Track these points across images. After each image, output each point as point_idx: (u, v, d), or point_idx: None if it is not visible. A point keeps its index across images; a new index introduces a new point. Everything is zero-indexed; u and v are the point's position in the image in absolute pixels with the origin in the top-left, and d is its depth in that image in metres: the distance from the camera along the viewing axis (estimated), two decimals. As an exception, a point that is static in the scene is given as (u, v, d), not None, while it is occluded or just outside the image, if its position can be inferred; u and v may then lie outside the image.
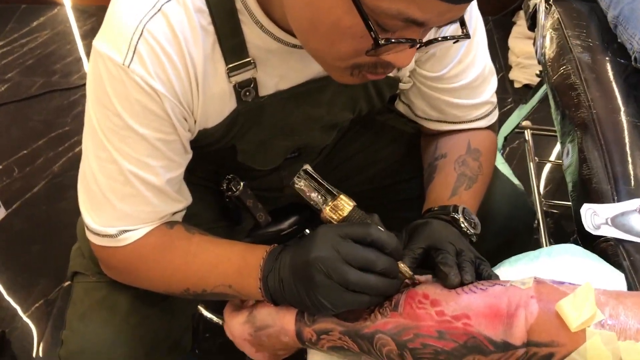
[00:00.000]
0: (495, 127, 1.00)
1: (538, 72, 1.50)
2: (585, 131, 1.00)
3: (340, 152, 1.11)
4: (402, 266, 0.71)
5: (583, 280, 0.65)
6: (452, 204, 0.85)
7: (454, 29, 0.82)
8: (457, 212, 0.82)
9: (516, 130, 1.89)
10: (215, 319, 1.66)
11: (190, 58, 0.72)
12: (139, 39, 0.69)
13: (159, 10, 0.69)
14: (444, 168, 0.94)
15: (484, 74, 0.92)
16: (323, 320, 0.74)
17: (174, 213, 0.84)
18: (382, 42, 0.60)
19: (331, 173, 1.09)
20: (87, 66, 2.49)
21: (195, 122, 0.79)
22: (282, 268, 0.73)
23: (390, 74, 0.86)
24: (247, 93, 0.79)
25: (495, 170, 1.12)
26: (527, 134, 1.93)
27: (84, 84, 2.55)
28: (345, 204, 0.71)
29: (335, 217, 0.71)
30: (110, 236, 0.79)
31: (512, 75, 2.46)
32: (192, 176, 0.88)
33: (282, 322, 0.78)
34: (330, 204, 0.71)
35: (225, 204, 1.00)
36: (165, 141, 0.76)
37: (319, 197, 0.72)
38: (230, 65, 0.75)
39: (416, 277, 0.74)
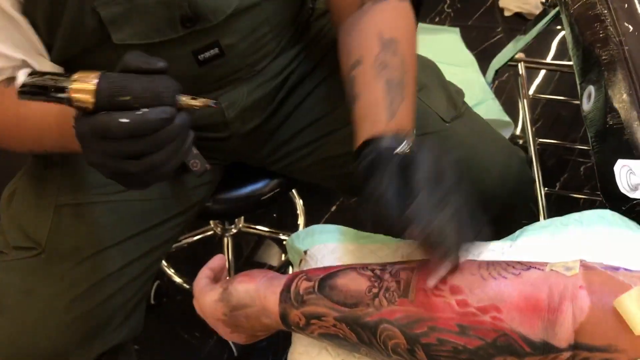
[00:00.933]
0: None
1: (543, 0, 1.34)
2: (615, 71, 0.85)
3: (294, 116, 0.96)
4: (187, 100, 0.57)
5: (636, 263, 0.53)
6: (394, 129, 0.67)
7: None
8: (404, 143, 0.64)
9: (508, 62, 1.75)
10: (177, 279, 1.54)
11: None
12: None
13: None
14: (364, 79, 0.74)
15: None
16: (314, 302, 0.62)
17: (18, 70, 0.74)
18: None
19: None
20: None
21: None
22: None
23: None
24: None
25: (486, 128, 0.97)
26: (521, 67, 1.78)
27: None
28: (84, 84, 0.54)
29: (88, 104, 0.55)
30: None
31: (502, 2, 2.30)
32: None
33: (264, 302, 0.65)
34: (70, 93, 0.55)
35: None
36: None
37: (58, 93, 0.55)
38: None
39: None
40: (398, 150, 0.63)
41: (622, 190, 0.73)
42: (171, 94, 0.56)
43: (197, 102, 0.58)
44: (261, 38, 0.84)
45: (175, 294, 1.54)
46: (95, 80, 0.54)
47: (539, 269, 0.54)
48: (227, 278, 0.72)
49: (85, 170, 0.84)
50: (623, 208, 0.76)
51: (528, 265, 0.55)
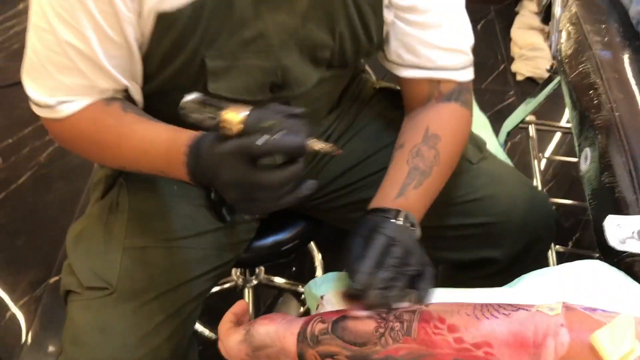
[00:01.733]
0: (467, 100, 0.95)
1: (549, 67, 1.44)
2: (608, 135, 0.93)
3: (348, 140, 1.07)
4: (315, 143, 0.66)
5: (614, 305, 0.60)
6: (396, 206, 0.80)
7: None
8: (399, 219, 0.78)
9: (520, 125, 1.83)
10: (207, 332, 1.60)
11: None
12: None
13: None
14: (398, 161, 0.89)
15: (458, 19, 0.91)
16: (328, 342, 0.68)
17: (118, 92, 0.82)
18: None
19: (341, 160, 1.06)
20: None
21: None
22: (204, 163, 0.70)
23: None
24: None
25: (511, 169, 1.07)
26: (532, 129, 1.87)
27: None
28: (235, 112, 0.65)
29: (234, 130, 0.65)
30: (49, 107, 0.79)
31: (515, 67, 2.40)
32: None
33: (283, 342, 0.72)
34: (221, 119, 0.65)
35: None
36: (102, 11, 0.73)
37: (212, 117, 0.66)
38: None
39: None
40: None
41: (612, 244, 0.79)
42: (305, 133, 0.65)
43: (326, 147, 0.67)
44: (320, 103, 0.97)
45: (198, 343, 1.60)
46: (246, 112, 0.65)
47: (526, 309, 0.61)
48: (250, 321, 0.79)
49: (149, 217, 0.92)
50: (615, 260, 0.82)
51: (517, 307, 0.62)
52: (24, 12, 2.64)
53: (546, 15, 1.27)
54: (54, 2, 0.73)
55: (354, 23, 0.86)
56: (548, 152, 2.12)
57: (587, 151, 0.97)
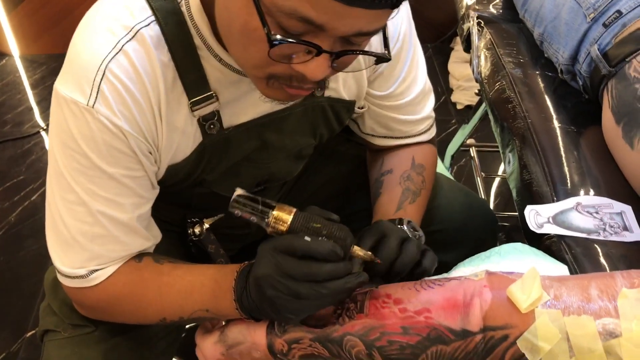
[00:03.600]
0: (434, 141, 1.07)
1: (477, 91, 1.59)
2: (523, 140, 1.08)
3: (305, 184, 1.15)
4: (357, 250, 0.74)
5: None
6: (397, 217, 0.91)
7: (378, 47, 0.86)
8: (402, 224, 0.88)
9: (461, 148, 1.99)
10: None
11: (152, 94, 0.74)
12: (102, 79, 0.71)
13: (120, 50, 0.72)
14: (390, 183, 1.00)
15: (425, 91, 1.00)
16: (292, 329, 0.78)
17: (144, 250, 0.85)
18: (276, 40, 0.61)
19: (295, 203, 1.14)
20: (38, 115, 2.50)
21: (160, 157, 0.81)
22: (252, 288, 0.75)
23: (346, 97, 0.91)
24: (212, 126, 0.81)
25: (449, 180, 1.19)
26: (472, 151, 2.03)
27: (37, 132, 2.52)
28: (284, 214, 0.73)
29: (280, 229, 0.73)
30: (81, 277, 0.80)
31: (454, 97, 2.57)
32: (158, 220, 0.89)
33: (253, 337, 0.80)
34: (271, 218, 0.72)
35: (189, 247, 1.01)
36: (133, 177, 0.78)
37: (259, 216, 0.73)
38: (193, 100, 0.78)
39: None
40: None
41: (531, 228, 0.92)
42: (349, 239, 0.72)
43: (365, 256, 0.74)
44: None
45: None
46: (293, 213, 0.72)
47: (457, 279, 0.73)
48: (223, 323, 0.88)
49: None
50: (538, 243, 0.95)
51: (449, 279, 0.74)
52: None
53: (467, 44, 1.42)
54: (84, 184, 0.75)
55: (332, 124, 0.95)
56: (499, 171, 2.26)
57: (509, 156, 1.11)
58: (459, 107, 2.55)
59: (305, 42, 0.62)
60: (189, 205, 0.98)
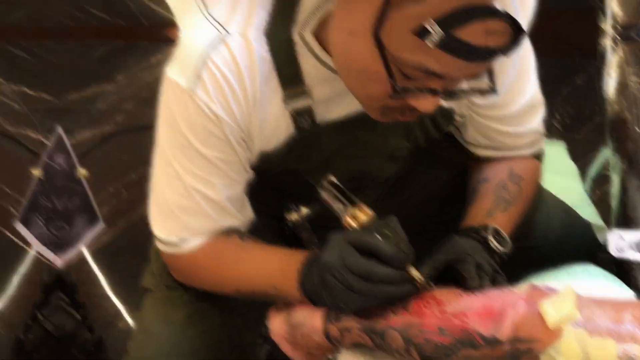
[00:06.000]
0: (540, 156, 1.04)
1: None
2: (630, 163, 1.02)
3: (403, 187, 1.14)
4: (413, 271, 0.76)
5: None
6: (485, 223, 0.90)
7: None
8: (486, 231, 0.87)
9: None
10: None
11: (249, 86, 0.80)
12: (203, 67, 0.79)
13: (222, 41, 0.79)
14: (484, 191, 0.98)
15: (532, 103, 0.96)
16: (345, 318, 0.82)
17: (234, 227, 0.91)
18: (399, 89, 0.68)
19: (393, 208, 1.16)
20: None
21: (253, 144, 0.87)
22: (315, 273, 0.79)
23: (445, 105, 0.92)
24: (304, 120, 0.86)
25: (553, 197, 1.13)
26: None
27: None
28: (363, 213, 0.77)
29: (354, 225, 0.78)
30: (173, 244, 0.89)
31: (611, 119, 2.43)
32: (257, 202, 0.95)
33: (313, 321, 0.85)
34: (349, 212, 0.78)
35: (283, 231, 1.04)
36: (226, 161, 0.84)
37: (341, 205, 0.79)
38: (287, 93, 0.83)
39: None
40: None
41: (611, 252, 0.88)
42: (410, 257, 0.75)
43: (420, 279, 0.76)
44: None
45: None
46: (370, 215, 0.77)
47: (500, 289, 0.73)
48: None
49: None
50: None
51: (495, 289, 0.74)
52: (155, 65, 2.92)
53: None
54: (181, 159, 0.83)
55: (428, 129, 0.95)
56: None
57: (613, 176, 1.06)
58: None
59: (427, 89, 0.69)
60: (285, 192, 1.03)
